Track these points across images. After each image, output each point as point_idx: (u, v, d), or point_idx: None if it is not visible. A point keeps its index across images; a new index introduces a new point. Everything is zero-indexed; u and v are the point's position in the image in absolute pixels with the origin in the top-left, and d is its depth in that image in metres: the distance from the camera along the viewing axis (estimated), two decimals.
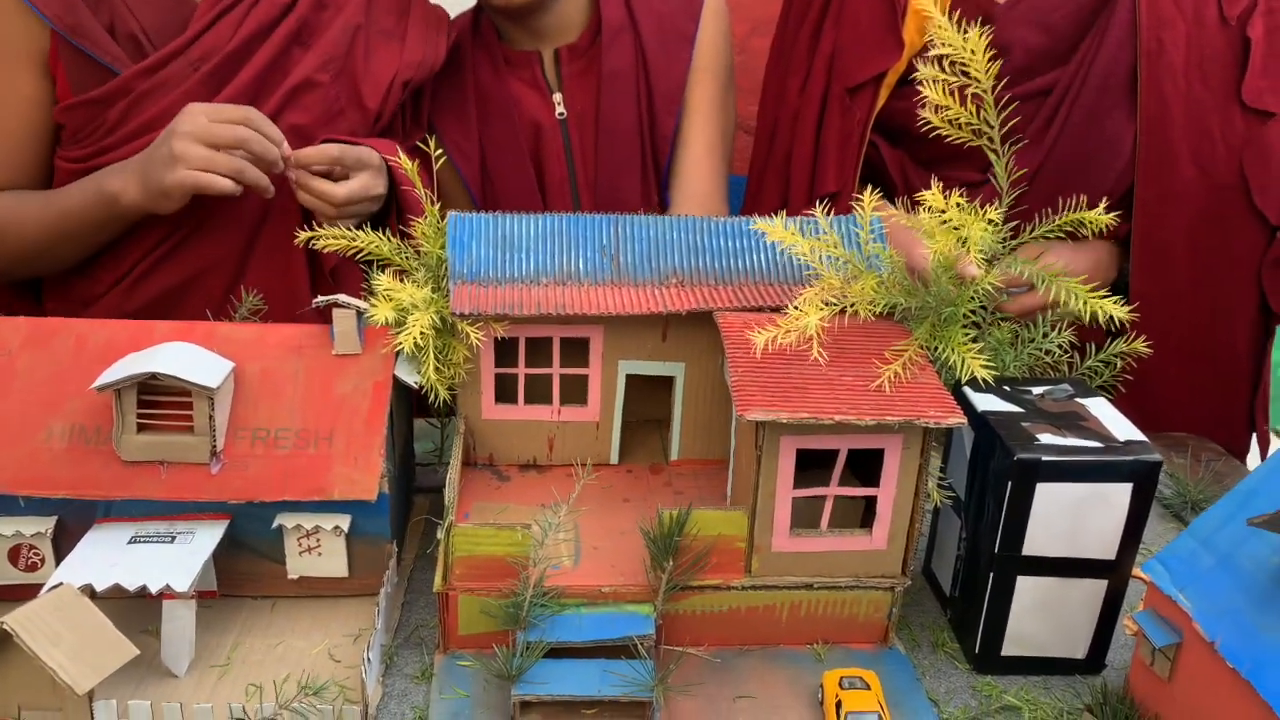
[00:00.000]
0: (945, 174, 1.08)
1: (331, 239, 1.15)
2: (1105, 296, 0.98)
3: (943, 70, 1.01)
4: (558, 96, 1.60)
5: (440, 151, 1.17)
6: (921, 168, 1.47)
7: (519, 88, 1.61)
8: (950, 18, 1.03)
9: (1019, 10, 1.43)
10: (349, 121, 1.40)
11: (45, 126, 1.37)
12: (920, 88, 1.02)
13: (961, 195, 0.98)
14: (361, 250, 1.15)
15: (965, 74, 1.00)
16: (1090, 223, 1.03)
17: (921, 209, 0.99)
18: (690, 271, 1.12)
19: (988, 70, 1.00)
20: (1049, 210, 1.05)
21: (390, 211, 1.43)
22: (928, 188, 0.98)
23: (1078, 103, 1.41)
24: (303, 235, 1.17)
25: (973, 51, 0.99)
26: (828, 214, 1.04)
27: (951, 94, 1.02)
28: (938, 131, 1.04)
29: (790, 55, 1.58)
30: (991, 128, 1.02)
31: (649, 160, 1.61)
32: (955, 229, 0.96)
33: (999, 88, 1.01)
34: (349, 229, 1.15)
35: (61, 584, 0.89)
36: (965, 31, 1.01)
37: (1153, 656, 0.90)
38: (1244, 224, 1.40)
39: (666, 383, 1.16)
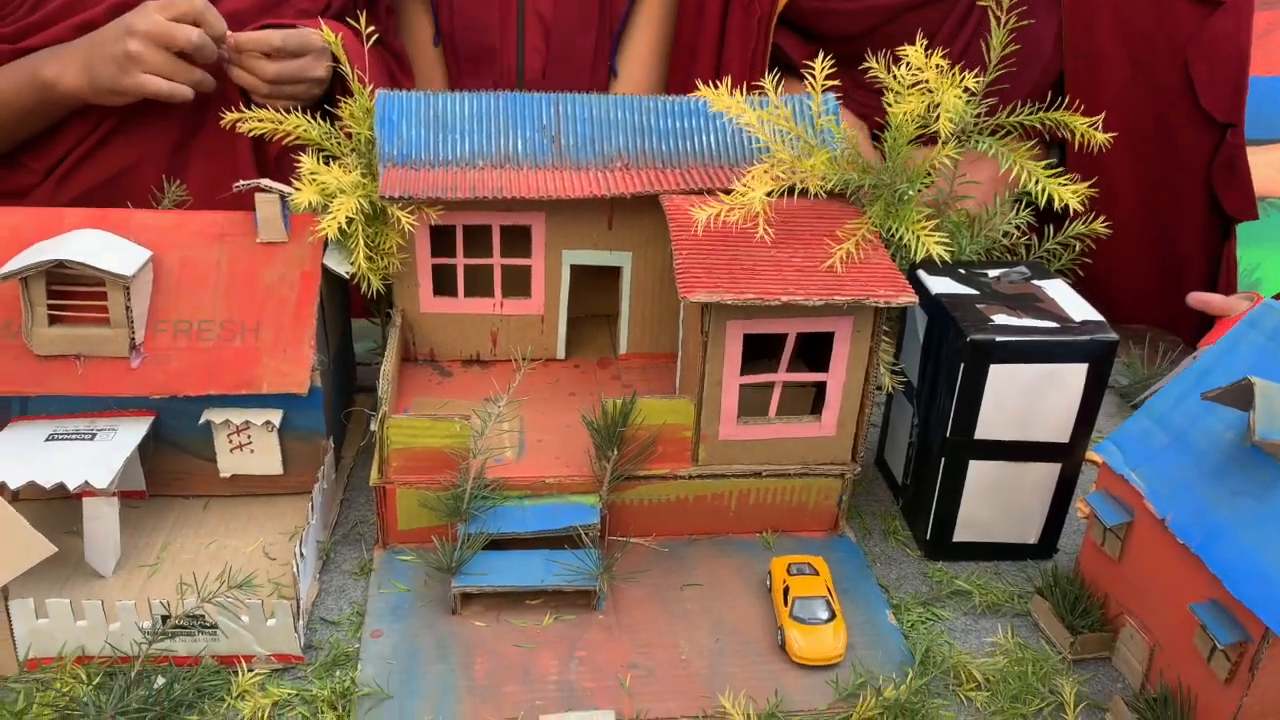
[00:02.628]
0: (853, 75, 1.02)
1: (257, 121, 1.08)
2: (1066, 183, 0.94)
3: None
4: None
5: (372, 30, 1.10)
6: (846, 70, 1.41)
7: None
8: None
9: None
10: (295, 7, 1.32)
11: None
12: None
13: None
14: (290, 135, 1.08)
15: None
16: (1073, 126, 0.98)
17: (900, 66, 0.93)
18: (636, 153, 1.07)
19: None
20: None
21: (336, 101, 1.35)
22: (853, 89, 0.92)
23: None
24: (230, 116, 1.10)
25: None
26: (781, 87, 0.98)
27: None
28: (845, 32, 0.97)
29: None
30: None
31: (605, 21, 1.53)
32: (929, 92, 0.91)
33: None
34: (285, 112, 1.08)
35: None
36: None
37: (1104, 537, 0.89)
38: (1188, 125, 1.35)
39: (613, 274, 1.12)
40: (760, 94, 0.98)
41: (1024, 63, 1.31)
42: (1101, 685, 0.87)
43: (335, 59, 1.31)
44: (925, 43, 0.92)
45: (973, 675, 0.86)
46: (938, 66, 0.91)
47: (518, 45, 1.50)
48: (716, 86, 0.94)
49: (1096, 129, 0.99)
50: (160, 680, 0.79)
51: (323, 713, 0.80)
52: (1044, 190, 0.92)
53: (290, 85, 1.28)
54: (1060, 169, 0.95)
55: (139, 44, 1.19)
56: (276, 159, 1.35)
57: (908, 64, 0.92)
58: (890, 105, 0.94)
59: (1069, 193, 0.93)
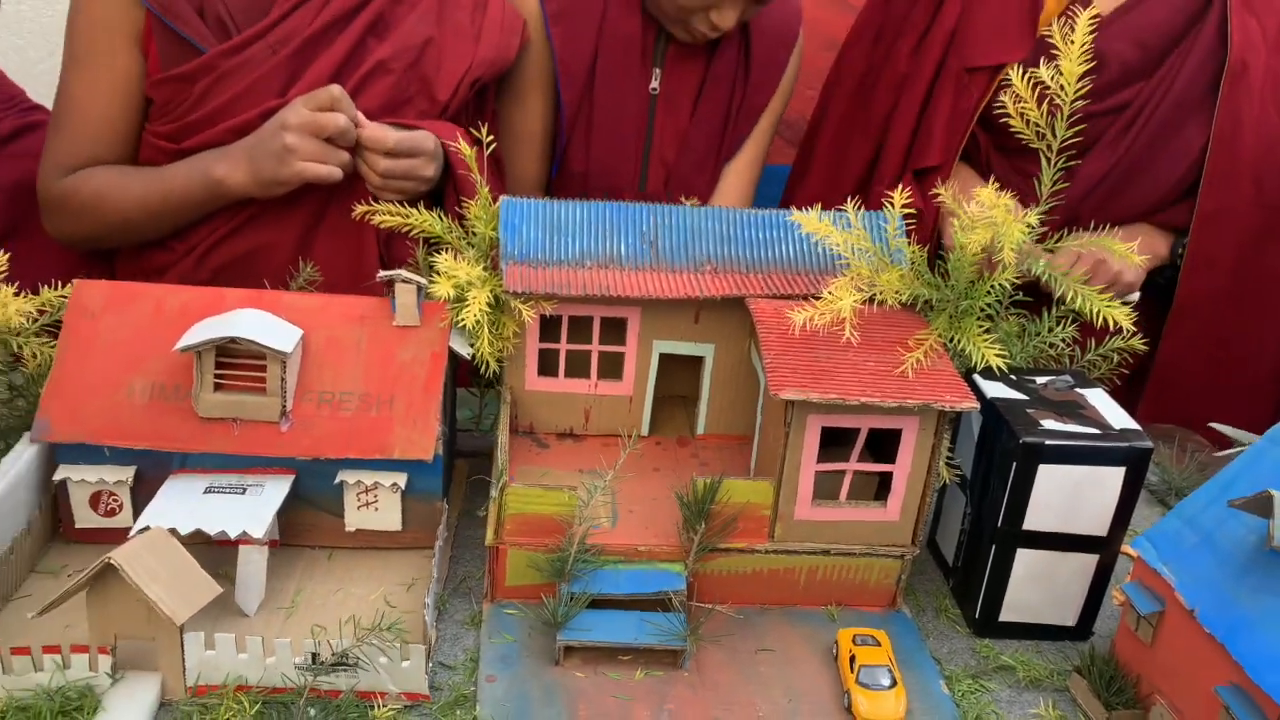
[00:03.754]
0: (1024, 166, 1.15)
1: (387, 214, 1.23)
2: (1112, 303, 1.06)
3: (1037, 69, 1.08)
4: (656, 71, 1.66)
5: (492, 139, 1.24)
6: (1004, 155, 1.55)
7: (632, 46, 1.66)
8: (1061, 20, 1.10)
9: (1120, 25, 1.53)
10: (416, 108, 1.47)
11: (138, 101, 1.46)
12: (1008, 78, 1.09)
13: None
14: (414, 227, 1.23)
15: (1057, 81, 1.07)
16: (1117, 252, 1.12)
17: (971, 203, 1.07)
18: (723, 259, 1.20)
19: (1077, 85, 1.06)
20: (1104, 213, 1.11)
21: (446, 194, 1.50)
22: (1009, 174, 1.05)
23: (1155, 115, 1.53)
24: (360, 209, 1.25)
25: (1068, 60, 1.05)
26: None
27: (1037, 95, 1.09)
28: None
29: (904, 18, 1.64)
30: (1055, 138, 1.09)
31: (720, 159, 1.70)
32: (993, 225, 1.05)
33: (1085, 93, 1.07)
34: (401, 206, 1.23)
35: (149, 527, 0.98)
36: (1070, 39, 1.07)
37: (1137, 623, 1.00)
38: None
39: (695, 362, 1.25)
40: (842, 211, 1.12)
41: (1168, 170, 1.51)
42: None
43: (446, 161, 1.47)
44: (997, 185, 1.06)
45: None
46: (1005, 205, 1.05)
47: (639, 185, 1.66)
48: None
49: (1132, 251, 1.12)
50: (312, 711, 0.90)
51: None
52: (1098, 312, 1.05)
53: (400, 181, 1.43)
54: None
55: (294, 136, 1.34)
56: (387, 243, 1.50)
57: (979, 201, 1.06)
58: (957, 233, 1.08)
59: (1119, 313, 1.06)
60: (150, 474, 1.09)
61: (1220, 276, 1.57)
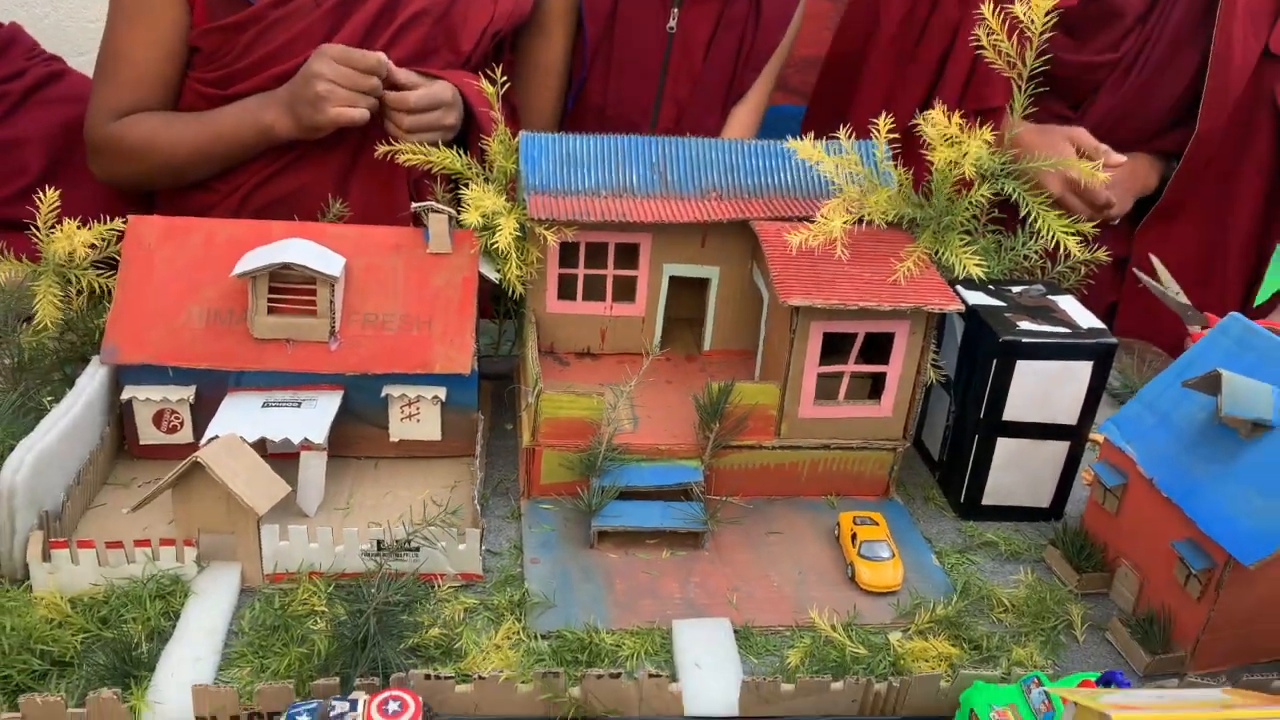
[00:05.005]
0: (1043, 104, 1.25)
1: (410, 154, 1.32)
2: (1067, 226, 1.19)
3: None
4: (674, 11, 1.75)
5: (506, 80, 1.33)
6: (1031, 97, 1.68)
7: None
8: None
9: None
10: (442, 59, 1.56)
11: (182, 51, 1.54)
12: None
13: None
14: (436, 165, 1.32)
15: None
16: (1084, 170, 1.24)
17: (926, 125, 1.19)
18: (727, 187, 1.31)
19: (1045, 18, 1.17)
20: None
21: (469, 137, 1.60)
22: (1042, 116, 1.16)
23: (1155, 51, 1.68)
24: (381, 148, 1.34)
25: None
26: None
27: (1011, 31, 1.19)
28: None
29: None
30: (1025, 66, 1.19)
31: (730, 100, 1.80)
32: (957, 144, 1.16)
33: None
34: (424, 146, 1.32)
35: (218, 437, 1.08)
36: None
37: (1104, 496, 1.14)
38: (1262, 134, 1.71)
39: (700, 286, 1.36)
40: (835, 140, 1.23)
41: (1167, 93, 1.68)
42: (1102, 612, 1.11)
43: (466, 108, 1.56)
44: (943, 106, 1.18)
45: (1002, 601, 1.10)
46: (959, 124, 1.16)
47: (652, 122, 1.76)
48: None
49: (1097, 170, 1.24)
50: (392, 587, 1.01)
51: (505, 616, 1.03)
52: (1052, 233, 1.17)
53: (424, 133, 1.52)
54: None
55: (325, 85, 1.44)
56: (415, 183, 1.60)
57: (933, 122, 1.17)
58: (930, 156, 1.19)
59: (1073, 241, 1.18)
60: (209, 393, 1.19)
61: (1200, 193, 1.73)
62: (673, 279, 1.34)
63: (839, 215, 1.16)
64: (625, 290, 1.34)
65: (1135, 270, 1.49)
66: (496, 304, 1.45)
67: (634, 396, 1.28)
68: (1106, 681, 0.92)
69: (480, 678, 0.90)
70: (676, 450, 1.20)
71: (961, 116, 1.18)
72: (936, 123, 1.19)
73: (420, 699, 0.84)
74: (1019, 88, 1.20)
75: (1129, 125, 1.72)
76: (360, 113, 1.46)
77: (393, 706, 0.82)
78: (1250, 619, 1.02)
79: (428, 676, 0.89)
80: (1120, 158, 1.46)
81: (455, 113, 1.53)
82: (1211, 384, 1.01)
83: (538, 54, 1.76)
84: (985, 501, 1.25)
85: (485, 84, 1.27)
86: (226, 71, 1.51)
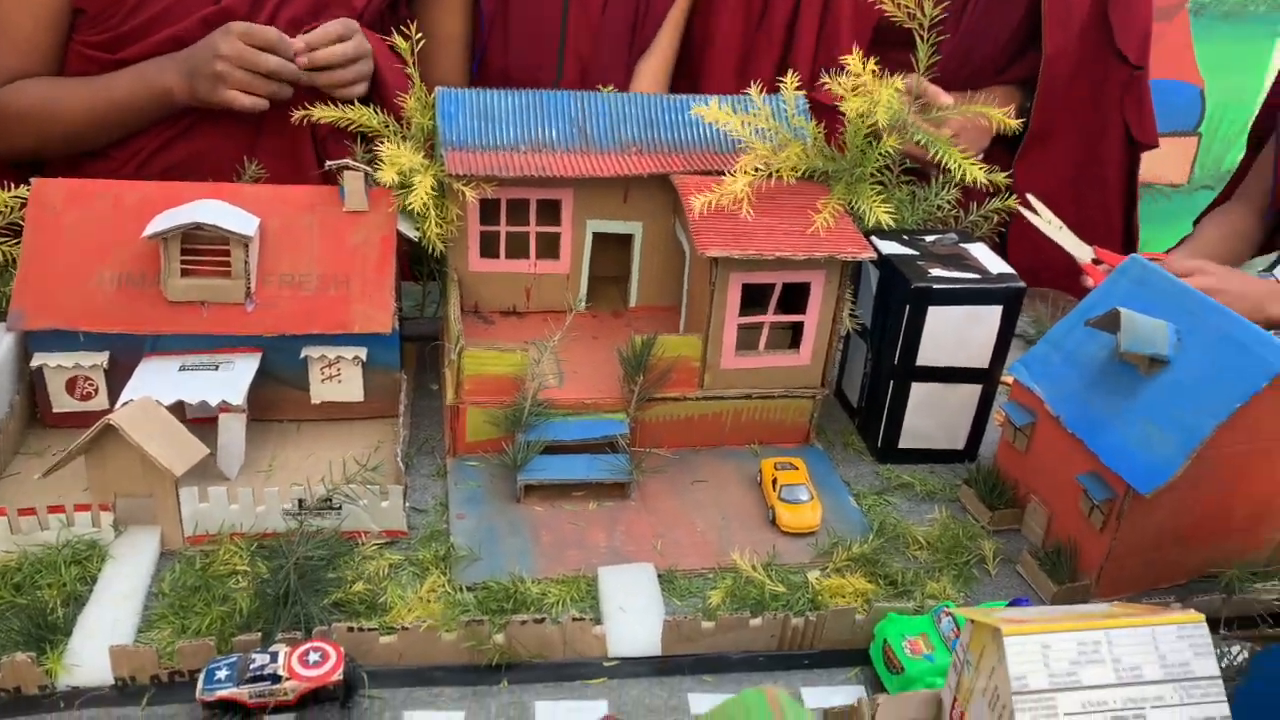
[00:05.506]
0: (897, 56, 1.29)
1: (326, 112, 1.30)
2: (979, 165, 1.21)
3: None
4: None
5: (420, 36, 1.32)
6: (880, 49, 1.72)
7: None
8: None
9: None
10: (333, 16, 1.53)
11: (65, 13, 1.48)
12: None
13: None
14: (353, 123, 1.31)
15: None
16: (994, 117, 1.26)
17: (841, 75, 1.21)
18: (647, 141, 1.32)
19: None
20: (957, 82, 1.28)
21: (371, 95, 1.57)
22: (893, 67, 1.20)
23: None
24: (298, 113, 1.32)
25: None
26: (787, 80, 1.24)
27: None
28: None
29: None
30: (925, 15, 1.21)
31: (633, 54, 1.79)
32: (867, 92, 1.18)
33: None
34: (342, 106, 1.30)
35: (134, 401, 1.06)
36: None
37: (1014, 435, 1.18)
38: (1112, 63, 1.76)
39: (625, 243, 1.37)
40: (747, 97, 1.24)
41: (1005, 20, 1.73)
42: (1013, 547, 1.15)
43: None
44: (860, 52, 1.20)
45: (917, 539, 1.13)
46: (873, 72, 1.18)
47: (555, 81, 1.75)
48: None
49: (1009, 115, 1.27)
50: (302, 549, 1.01)
51: (430, 570, 1.03)
52: (961, 168, 1.20)
53: (354, 87, 1.50)
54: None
55: (225, 65, 1.41)
56: (321, 142, 1.57)
57: (849, 70, 1.19)
58: (842, 106, 1.21)
59: (979, 171, 1.21)
60: (123, 358, 1.16)
61: (1068, 119, 1.78)
62: (597, 235, 1.35)
63: (744, 175, 1.17)
64: (549, 247, 1.34)
65: (1019, 207, 1.53)
66: (419, 266, 1.45)
67: (560, 353, 1.28)
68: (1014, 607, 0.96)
69: (404, 628, 0.91)
70: (602, 404, 1.21)
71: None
72: (854, 69, 1.21)
73: (342, 650, 0.84)
74: (922, 38, 1.22)
75: (976, 58, 1.74)
76: (253, 102, 1.45)
77: (314, 657, 0.83)
78: (1151, 547, 1.06)
79: (351, 629, 0.90)
80: (948, 99, 1.46)
81: (371, 63, 1.51)
82: (1111, 322, 1.05)
83: (438, 25, 1.74)
84: (902, 445, 1.28)
85: (399, 39, 1.26)
86: (114, 34, 1.47)
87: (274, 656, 0.83)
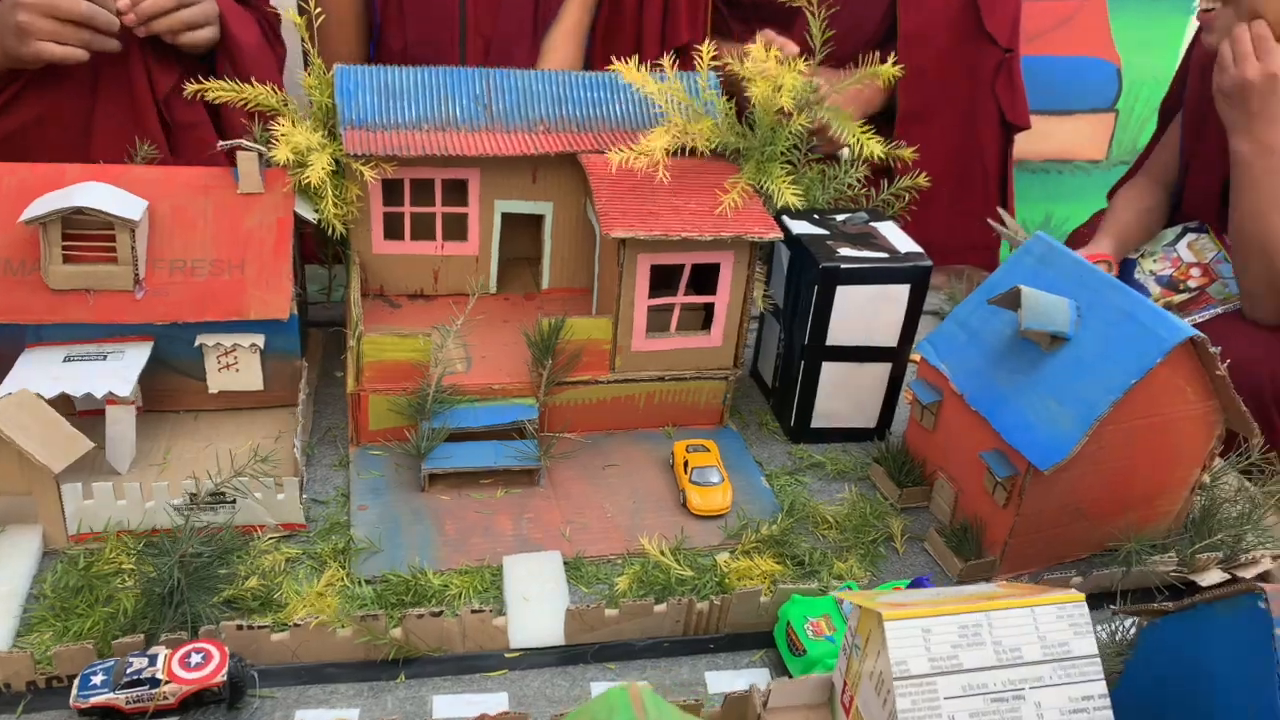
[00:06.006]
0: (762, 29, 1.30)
1: (220, 90, 1.25)
2: (879, 140, 1.21)
3: None
4: None
5: (320, 11, 1.27)
6: (745, 24, 1.70)
7: None
8: None
9: None
10: None
11: None
12: None
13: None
14: (250, 101, 1.26)
15: None
16: (881, 73, 1.27)
17: (746, 59, 1.20)
18: (556, 119, 1.29)
19: None
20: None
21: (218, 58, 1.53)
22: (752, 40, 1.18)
23: None
24: (191, 87, 1.26)
25: None
26: (676, 65, 1.23)
27: None
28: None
29: None
30: None
31: (538, 28, 1.75)
32: (770, 75, 1.17)
33: None
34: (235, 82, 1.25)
35: (11, 393, 1.01)
36: None
37: (921, 413, 1.18)
38: (982, 45, 1.80)
39: (537, 223, 1.34)
40: (659, 69, 1.22)
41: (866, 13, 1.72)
42: (922, 524, 1.16)
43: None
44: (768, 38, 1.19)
45: (826, 518, 1.13)
46: (776, 57, 1.17)
47: (460, 59, 1.70)
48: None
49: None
50: (200, 543, 0.98)
51: (328, 564, 1.01)
52: (861, 144, 1.20)
53: (199, 32, 1.45)
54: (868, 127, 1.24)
55: (26, 15, 1.34)
56: (167, 103, 1.52)
57: (753, 57, 1.18)
58: (748, 90, 1.20)
59: (879, 146, 1.21)
60: (4, 349, 1.11)
61: (931, 87, 1.81)
62: (506, 216, 1.32)
63: (662, 139, 1.16)
64: (457, 229, 1.31)
65: (989, 221, 1.62)
66: (325, 249, 1.40)
67: (468, 337, 1.26)
68: (916, 587, 0.96)
69: (296, 624, 0.88)
70: (511, 389, 1.19)
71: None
72: (756, 57, 1.20)
73: (226, 650, 0.81)
74: (813, 14, 1.22)
75: (845, 43, 1.75)
76: (68, 52, 1.38)
77: (195, 658, 0.80)
78: (1053, 523, 1.08)
79: (240, 627, 0.87)
80: (794, 47, 1.48)
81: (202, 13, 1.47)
82: (1013, 300, 1.05)
83: (329, 6, 1.69)
84: (815, 425, 1.28)
85: (295, 15, 1.21)
86: None
87: (153, 659, 0.80)
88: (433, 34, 1.70)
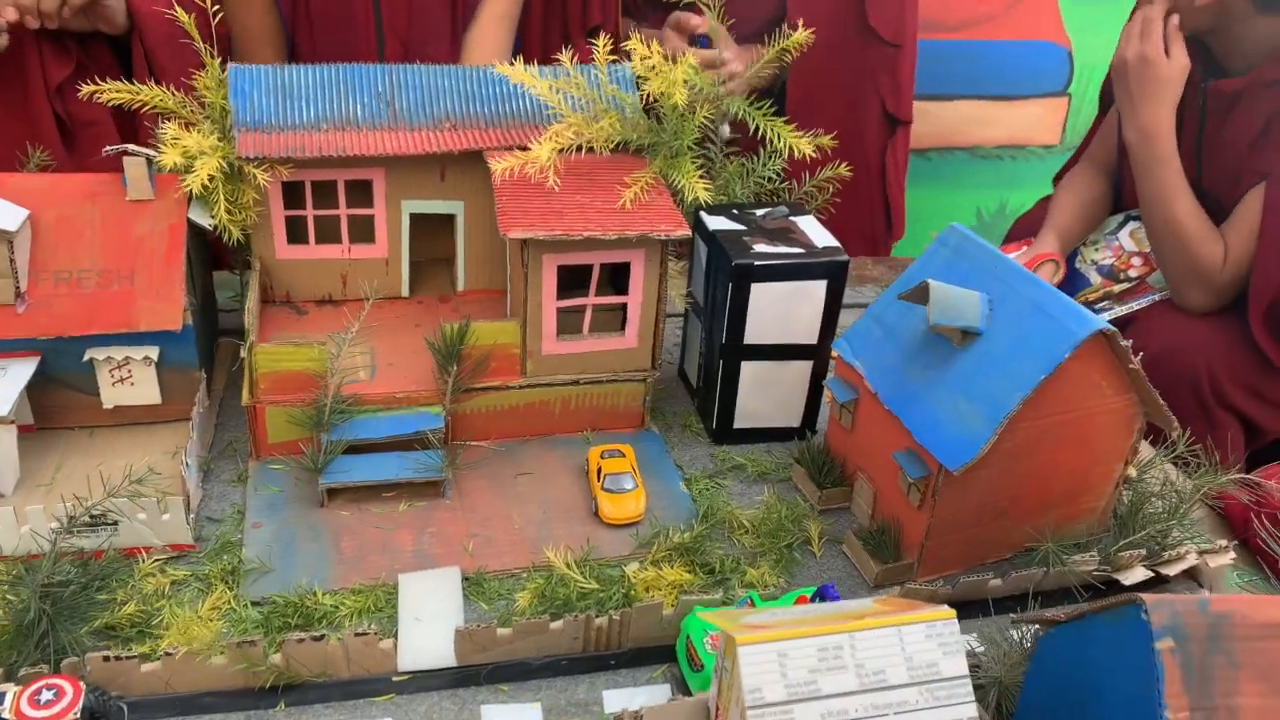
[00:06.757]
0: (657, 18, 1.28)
1: (115, 92, 1.20)
2: (797, 134, 1.18)
3: None
4: None
5: (217, 8, 1.23)
6: (654, 9, 1.69)
7: None
8: None
9: None
10: None
11: None
12: None
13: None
14: (146, 103, 1.21)
15: None
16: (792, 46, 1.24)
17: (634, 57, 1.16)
18: (463, 116, 1.24)
19: None
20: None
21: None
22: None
23: None
24: (87, 89, 1.21)
25: None
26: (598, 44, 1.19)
27: None
28: None
29: None
30: None
31: (457, 25, 1.70)
32: (660, 72, 1.14)
33: None
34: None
35: None
36: None
37: (840, 412, 1.14)
38: (867, 39, 1.82)
39: (451, 222, 1.30)
40: (557, 64, 1.18)
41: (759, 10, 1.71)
42: (842, 526, 1.13)
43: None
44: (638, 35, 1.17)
45: (742, 523, 1.10)
46: (660, 54, 1.15)
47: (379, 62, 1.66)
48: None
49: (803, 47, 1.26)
50: (71, 566, 0.94)
51: (215, 586, 0.97)
52: (780, 136, 1.16)
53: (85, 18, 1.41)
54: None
55: None
56: (60, 92, 1.48)
57: (637, 54, 1.15)
58: (643, 87, 1.16)
59: (804, 142, 1.17)
60: None
61: (820, 74, 1.81)
62: (416, 216, 1.28)
63: (550, 143, 1.11)
64: (364, 231, 1.27)
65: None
66: (236, 254, 1.36)
67: (375, 343, 1.22)
68: (821, 595, 0.93)
69: (168, 654, 0.84)
70: (416, 397, 1.15)
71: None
72: (640, 53, 1.17)
73: (80, 685, 0.77)
74: (709, 6, 1.18)
75: (741, 28, 1.73)
76: None
77: (46, 695, 0.75)
78: (972, 523, 1.04)
79: (107, 658, 0.83)
80: (698, 20, 1.55)
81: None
82: (921, 294, 1.02)
83: (243, 20, 1.64)
84: (737, 425, 1.24)
85: (180, 12, 1.16)
86: None
87: (1, 698, 0.75)
88: (348, 40, 1.65)
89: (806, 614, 0.68)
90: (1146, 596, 0.61)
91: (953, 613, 0.64)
